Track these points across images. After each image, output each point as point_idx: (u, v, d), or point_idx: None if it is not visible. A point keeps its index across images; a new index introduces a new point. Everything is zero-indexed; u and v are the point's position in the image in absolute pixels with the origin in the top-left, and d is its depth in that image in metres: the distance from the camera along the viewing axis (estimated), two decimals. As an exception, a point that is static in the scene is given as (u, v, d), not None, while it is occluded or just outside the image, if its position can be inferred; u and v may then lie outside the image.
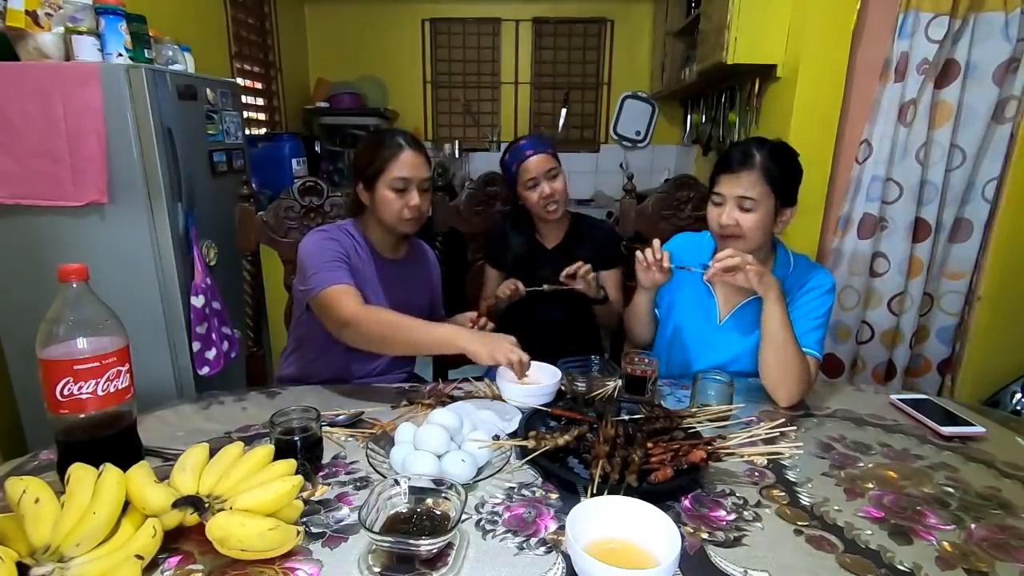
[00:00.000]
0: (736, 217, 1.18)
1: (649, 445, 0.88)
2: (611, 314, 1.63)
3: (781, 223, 1.22)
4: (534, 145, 1.59)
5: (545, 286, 1.46)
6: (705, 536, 0.74)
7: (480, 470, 0.87)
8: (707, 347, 1.31)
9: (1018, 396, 1.99)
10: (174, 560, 0.68)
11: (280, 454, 0.81)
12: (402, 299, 1.33)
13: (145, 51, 1.68)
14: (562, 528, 0.74)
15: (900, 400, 1.15)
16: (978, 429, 1.03)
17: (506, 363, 1.04)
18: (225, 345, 1.83)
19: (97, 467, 0.69)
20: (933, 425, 1.05)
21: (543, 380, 1.15)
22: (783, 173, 1.18)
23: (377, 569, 0.67)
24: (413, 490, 0.75)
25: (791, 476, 0.89)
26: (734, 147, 1.22)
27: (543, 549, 0.71)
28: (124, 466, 0.70)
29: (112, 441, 0.78)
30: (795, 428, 1.03)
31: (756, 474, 0.89)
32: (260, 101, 3.30)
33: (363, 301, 1.18)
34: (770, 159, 1.17)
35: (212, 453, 0.78)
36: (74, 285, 0.74)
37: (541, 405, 1.06)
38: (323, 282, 1.18)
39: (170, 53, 1.85)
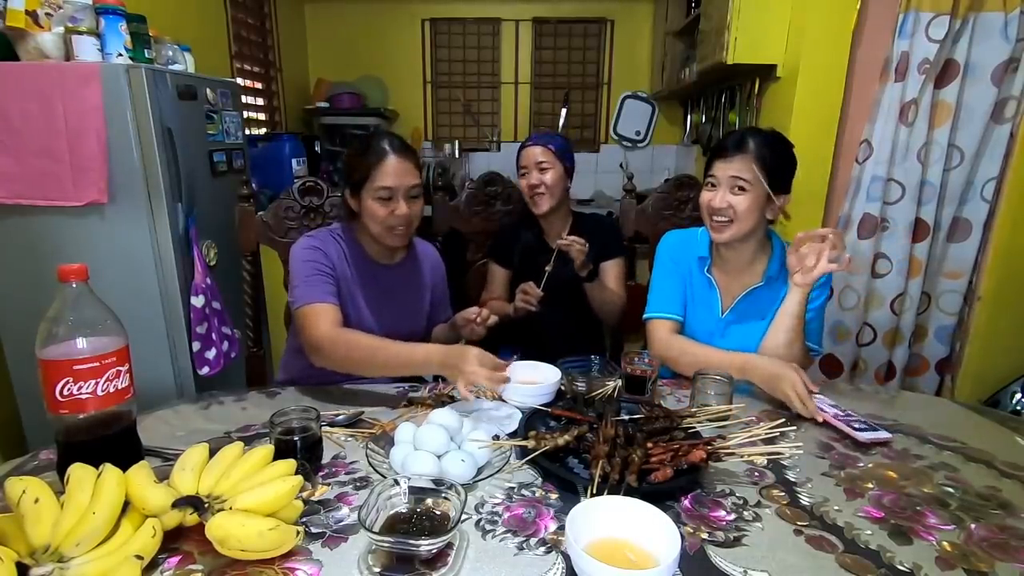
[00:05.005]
0: (729, 200, 1.21)
1: (649, 445, 0.88)
2: (607, 301, 1.63)
3: (772, 210, 1.24)
4: (538, 138, 1.66)
5: (547, 269, 1.48)
6: (705, 536, 0.74)
7: (480, 470, 0.87)
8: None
9: (1018, 396, 1.99)
10: (174, 560, 0.68)
11: (280, 454, 0.81)
12: (392, 307, 1.32)
13: (145, 51, 1.68)
14: (562, 528, 0.74)
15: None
16: (887, 434, 1.00)
17: (486, 381, 1.01)
18: (225, 345, 1.83)
19: (97, 467, 0.69)
20: (850, 432, 1.00)
21: (543, 380, 1.15)
22: (776, 159, 1.21)
23: (377, 569, 0.67)
24: (413, 490, 0.75)
25: (791, 476, 0.89)
26: (728, 135, 1.27)
27: (543, 549, 0.71)
28: (124, 466, 0.70)
29: (112, 441, 0.78)
30: (795, 428, 1.03)
31: (756, 474, 0.89)
32: (260, 101, 3.30)
33: (340, 321, 1.16)
34: (764, 145, 1.21)
35: (212, 453, 0.78)
36: (74, 285, 0.74)
37: (541, 405, 1.05)
38: (301, 298, 1.17)
39: (170, 53, 1.85)
